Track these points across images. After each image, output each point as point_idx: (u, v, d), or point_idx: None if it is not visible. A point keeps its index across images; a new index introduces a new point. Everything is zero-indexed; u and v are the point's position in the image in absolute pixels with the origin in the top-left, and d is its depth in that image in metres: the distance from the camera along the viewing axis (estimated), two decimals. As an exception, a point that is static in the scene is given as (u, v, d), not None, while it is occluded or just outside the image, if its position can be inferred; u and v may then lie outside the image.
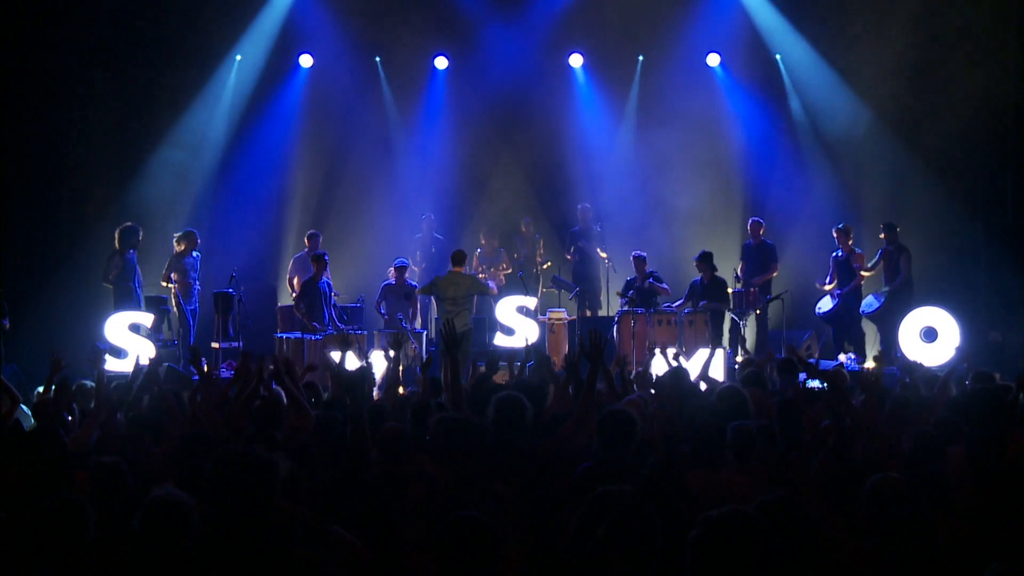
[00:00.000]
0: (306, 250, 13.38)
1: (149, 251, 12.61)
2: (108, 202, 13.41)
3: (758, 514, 2.72)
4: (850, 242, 12.48)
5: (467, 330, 11.56)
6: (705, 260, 12.45)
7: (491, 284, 12.82)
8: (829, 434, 5.03)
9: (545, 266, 14.15)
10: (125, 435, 5.57)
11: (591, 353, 5.38)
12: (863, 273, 12.38)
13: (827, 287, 12.51)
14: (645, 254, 12.84)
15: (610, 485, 3.01)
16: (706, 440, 4.74)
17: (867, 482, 3.90)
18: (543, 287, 14.13)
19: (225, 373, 10.64)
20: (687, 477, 4.59)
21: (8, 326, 10.73)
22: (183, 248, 12.33)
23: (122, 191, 13.60)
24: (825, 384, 6.18)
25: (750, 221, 13.28)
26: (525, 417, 4.91)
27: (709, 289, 12.34)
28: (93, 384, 6.58)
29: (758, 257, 13.00)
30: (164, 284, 12.29)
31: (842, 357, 12.06)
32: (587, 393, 5.30)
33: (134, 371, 6.89)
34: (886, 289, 12.13)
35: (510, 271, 14.10)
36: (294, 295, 12.71)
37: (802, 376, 6.98)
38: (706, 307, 12.16)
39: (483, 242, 14.21)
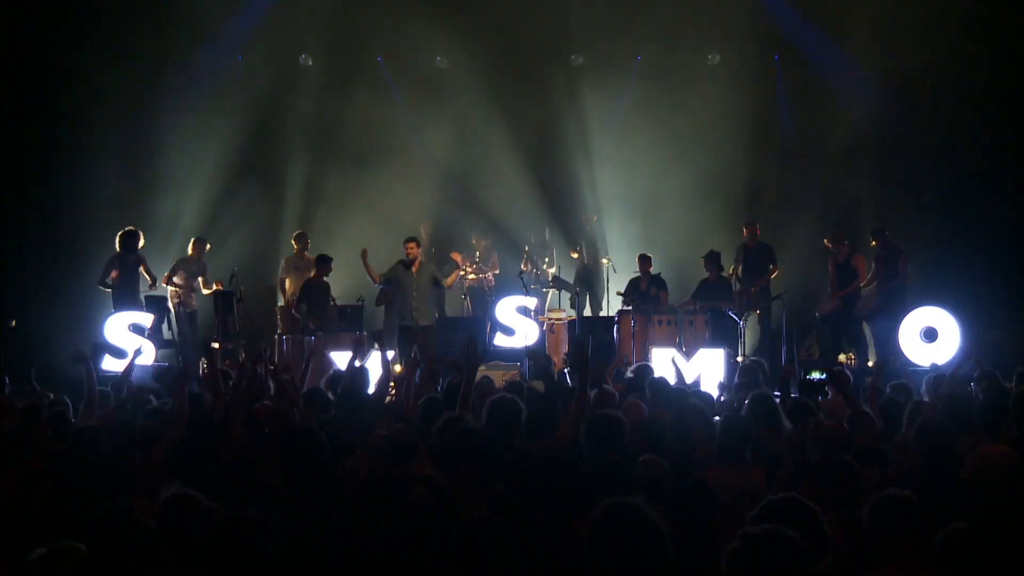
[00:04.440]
0: (295, 251, 13.41)
1: (149, 252, 12.59)
2: (110, 204, 13.39)
3: (797, 535, 2.76)
4: (846, 242, 12.48)
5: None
6: (711, 259, 12.53)
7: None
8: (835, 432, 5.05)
9: (552, 270, 14.18)
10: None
11: (576, 362, 5.46)
12: (862, 284, 12.33)
13: (839, 293, 12.42)
14: (650, 255, 12.88)
15: (619, 497, 3.01)
16: (730, 441, 4.77)
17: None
18: (545, 288, 14.15)
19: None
20: (706, 476, 4.60)
21: (15, 324, 10.83)
22: (192, 253, 12.48)
23: (124, 192, 13.59)
24: (825, 375, 6.22)
25: (745, 224, 13.31)
26: (519, 419, 4.93)
27: (712, 289, 12.39)
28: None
29: (757, 258, 13.03)
30: (164, 284, 12.33)
31: (842, 358, 12.07)
32: (580, 398, 5.41)
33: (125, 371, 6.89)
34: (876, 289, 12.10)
35: (498, 271, 14.14)
36: (293, 298, 12.71)
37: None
38: (704, 306, 12.20)
39: (474, 242, 14.24)
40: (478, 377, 6.82)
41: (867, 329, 12.44)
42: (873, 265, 12.30)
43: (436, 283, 12.38)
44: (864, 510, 3.71)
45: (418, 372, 6.73)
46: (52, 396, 7.07)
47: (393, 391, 7.03)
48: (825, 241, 12.62)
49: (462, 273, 13.43)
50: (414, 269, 12.07)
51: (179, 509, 3.73)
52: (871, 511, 3.69)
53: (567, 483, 4.06)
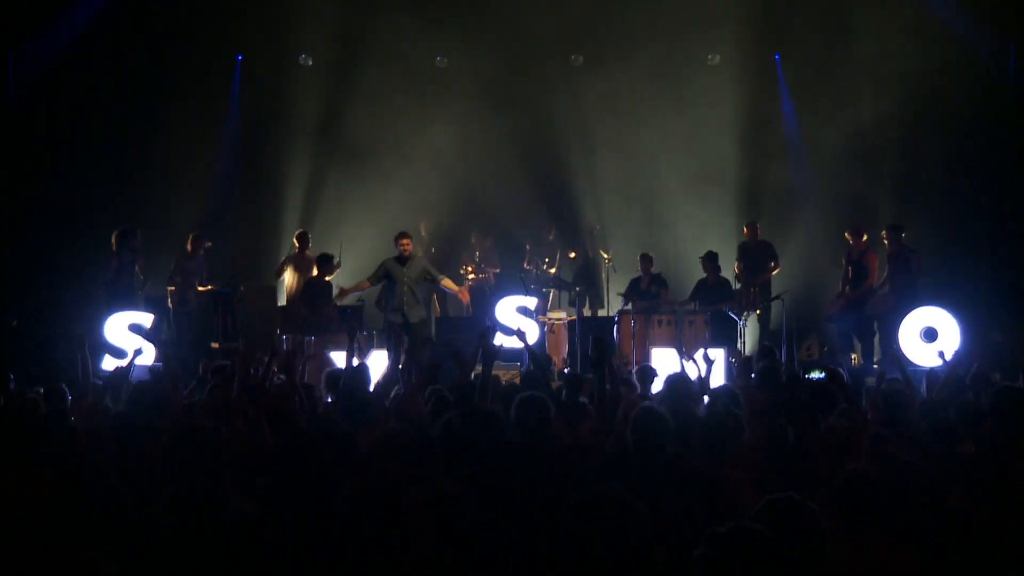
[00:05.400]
0: (296, 250, 13.39)
1: (148, 252, 12.59)
2: (107, 203, 13.38)
3: (765, 530, 2.67)
4: (864, 239, 12.43)
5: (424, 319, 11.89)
6: (709, 260, 12.51)
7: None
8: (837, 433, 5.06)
9: (552, 270, 14.16)
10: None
11: (595, 359, 5.40)
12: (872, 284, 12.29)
13: (847, 292, 12.39)
14: (651, 255, 12.86)
15: (599, 486, 2.98)
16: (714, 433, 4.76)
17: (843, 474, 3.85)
18: (545, 288, 14.14)
19: None
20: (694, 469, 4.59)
21: (16, 324, 10.82)
22: (190, 251, 12.44)
23: (122, 191, 13.58)
24: (825, 375, 6.24)
25: (746, 223, 13.30)
26: (549, 416, 4.85)
27: (713, 289, 12.38)
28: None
29: (757, 256, 13.01)
30: (169, 288, 12.34)
31: (854, 357, 12.04)
32: (600, 398, 5.34)
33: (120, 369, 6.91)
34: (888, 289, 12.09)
35: (499, 270, 14.10)
36: (291, 297, 12.69)
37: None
38: (705, 307, 12.19)
39: (474, 241, 14.17)
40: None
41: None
42: (887, 265, 12.26)
43: (428, 277, 12.03)
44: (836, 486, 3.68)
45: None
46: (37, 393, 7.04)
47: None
48: (846, 234, 12.55)
49: (464, 283, 13.27)
50: (404, 266, 11.74)
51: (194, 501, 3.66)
52: (841, 489, 3.66)
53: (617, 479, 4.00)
